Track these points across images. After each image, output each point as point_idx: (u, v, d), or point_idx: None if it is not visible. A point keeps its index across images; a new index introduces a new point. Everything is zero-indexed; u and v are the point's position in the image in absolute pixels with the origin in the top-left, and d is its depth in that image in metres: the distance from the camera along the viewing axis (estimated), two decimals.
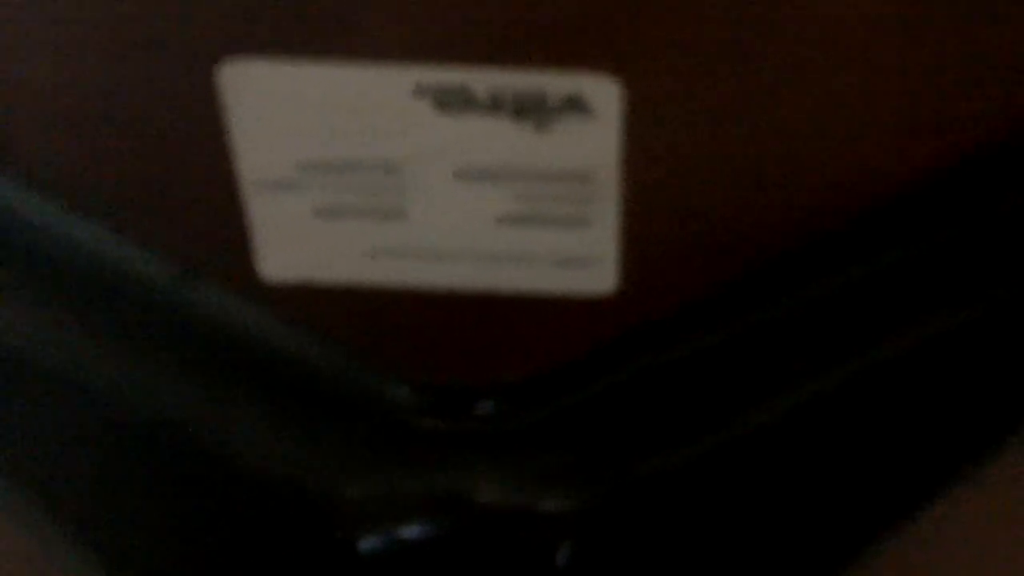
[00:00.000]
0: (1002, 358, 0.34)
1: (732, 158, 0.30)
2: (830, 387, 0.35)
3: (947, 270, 0.33)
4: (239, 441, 0.35)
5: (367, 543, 0.35)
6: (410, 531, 0.35)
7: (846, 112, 0.30)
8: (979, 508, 0.36)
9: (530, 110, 0.29)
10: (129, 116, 0.31)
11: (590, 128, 0.29)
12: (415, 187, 0.30)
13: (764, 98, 0.30)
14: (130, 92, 0.30)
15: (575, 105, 0.29)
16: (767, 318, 0.34)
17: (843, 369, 0.34)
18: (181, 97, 0.30)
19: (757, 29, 0.29)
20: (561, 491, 0.35)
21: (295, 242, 0.31)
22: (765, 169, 0.31)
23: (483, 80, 0.29)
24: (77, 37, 0.30)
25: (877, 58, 0.29)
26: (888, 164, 0.31)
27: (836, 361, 0.35)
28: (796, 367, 0.34)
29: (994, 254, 0.33)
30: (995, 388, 0.35)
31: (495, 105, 0.29)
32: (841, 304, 0.34)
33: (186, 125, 0.30)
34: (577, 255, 0.31)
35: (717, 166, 0.31)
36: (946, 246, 0.33)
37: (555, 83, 0.29)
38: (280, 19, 0.28)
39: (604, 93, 0.29)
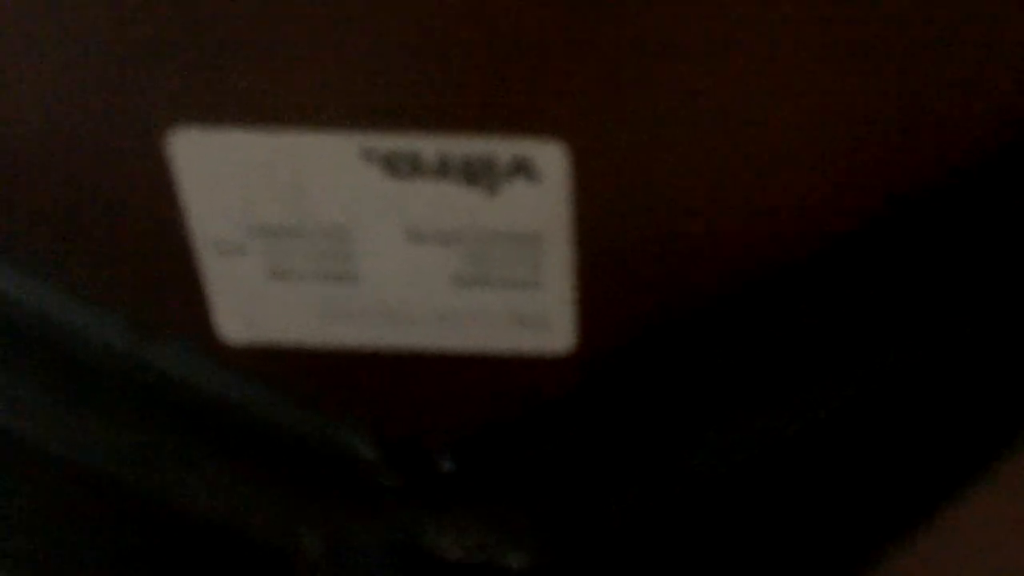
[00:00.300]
0: (992, 372, 0.34)
1: (680, 214, 0.31)
2: (791, 433, 0.35)
3: (908, 304, 0.34)
4: (202, 497, 0.35)
5: None
6: None
7: (793, 162, 0.30)
8: (982, 515, 0.36)
9: (479, 174, 0.29)
10: (87, 180, 0.31)
11: (539, 191, 0.29)
12: (367, 249, 0.30)
13: (709, 154, 0.30)
14: (87, 156, 0.31)
15: (523, 169, 0.29)
16: (722, 369, 0.34)
17: (802, 413, 0.35)
18: (135, 162, 0.30)
19: (701, 89, 0.29)
20: (522, 545, 0.35)
21: (250, 304, 0.32)
22: (714, 223, 0.31)
23: (432, 145, 0.29)
24: (31, 100, 0.30)
25: (821, 107, 0.29)
26: (835, 210, 0.31)
27: (795, 407, 0.35)
28: (754, 416, 0.35)
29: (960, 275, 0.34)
30: (983, 407, 0.35)
31: (444, 169, 0.29)
32: (797, 349, 0.34)
33: (142, 189, 0.31)
34: (532, 315, 0.32)
35: (666, 222, 0.31)
36: (902, 279, 0.33)
37: (503, 148, 0.29)
38: (230, 86, 0.29)
39: (551, 157, 0.29)
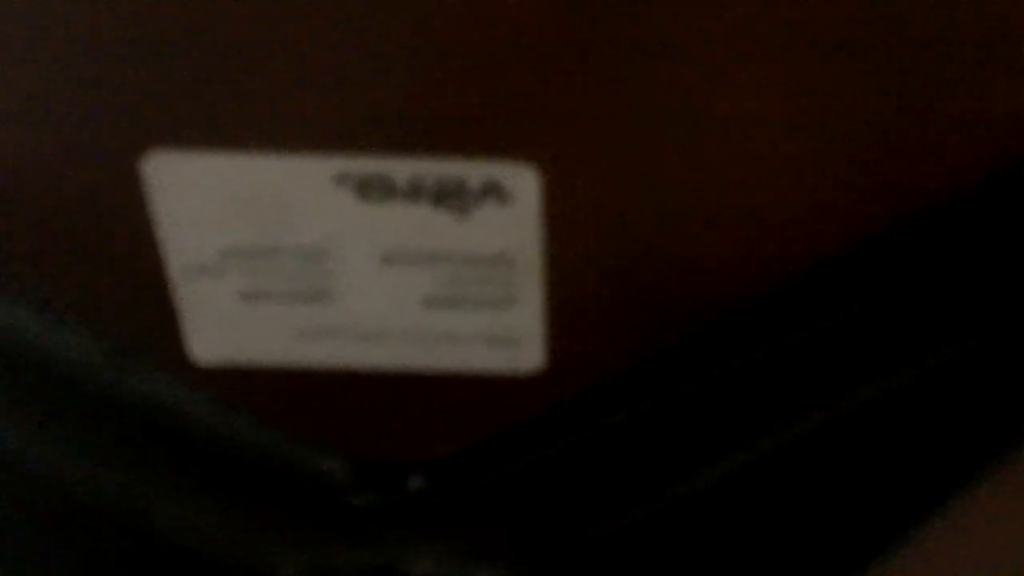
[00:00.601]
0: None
1: (651, 235, 0.31)
2: (762, 452, 0.35)
3: (881, 337, 0.34)
4: (174, 519, 0.35)
5: None
6: None
7: (764, 184, 0.31)
8: (983, 514, 0.35)
9: (450, 197, 0.30)
10: (62, 201, 0.31)
11: (510, 213, 0.30)
12: (340, 271, 0.31)
13: (680, 175, 0.30)
14: (62, 178, 0.31)
15: (494, 191, 0.29)
16: (694, 388, 0.34)
17: (771, 435, 0.35)
18: (110, 184, 0.30)
19: (672, 109, 0.29)
20: (494, 565, 0.35)
21: (224, 325, 0.32)
22: (685, 244, 0.31)
23: (403, 168, 0.29)
24: (5, 122, 0.30)
25: (794, 127, 0.30)
26: (812, 232, 0.32)
27: (765, 427, 0.35)
28: (724, 435, 0.35)
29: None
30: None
31: (416, 192, 0.29)
32: (769, 371, 0.34)
33: (116, 211, 0.31)
34: (503, 335, 0.32)
35: (637, 243, 0.31)
36: (874, 314, 0.34)
37: (474, 171, 0.29)
38: (203, 110, 0.29)
39: (522, 179, 0.29)
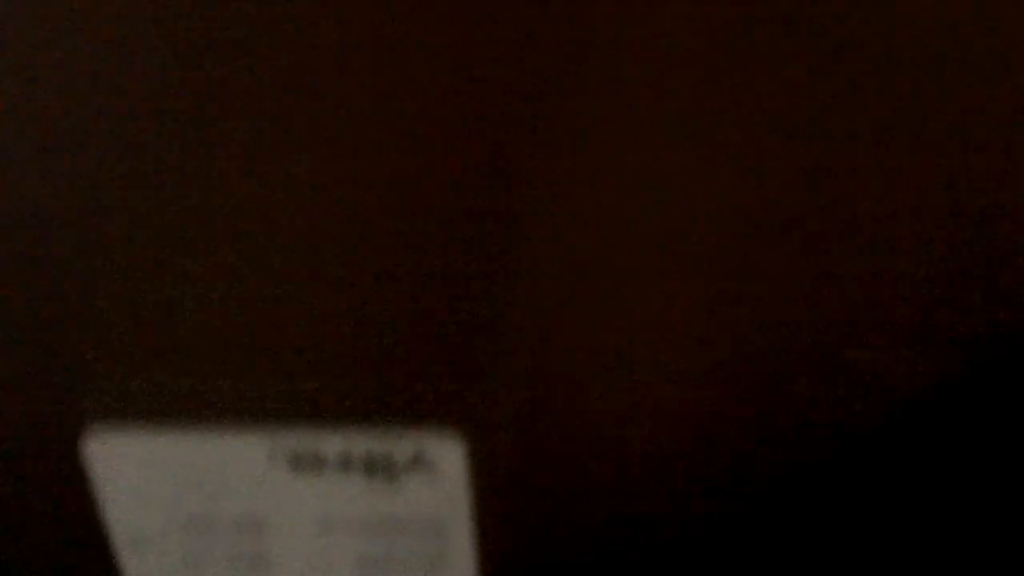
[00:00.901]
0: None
1: (576, 492, 0.32)
2: None
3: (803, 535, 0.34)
4: None
5: None
6: None
7: (693, 441, 0.32)
8: None
9: (380, 468, 0.31)
10: (6, 476, 0.32)
11: (437, 481, 0.31)
12: (276, 539, 0.32)
13: (600, 436, 0.31)
14: (5, 454, 0.32)
15: (421, 463, 0.31)
16: None
17: None
18: (50, 460, 0.32)
19: (587, 372, 0.30)
20: None
21: None
22: (611, 496, 0.32)
23: (333, 443, 0.30)
24: None
25: (706, 357, 0.31)
26: (729, 478, 0.32)
27: None
28: None
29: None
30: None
31: (346, 464, 0.31)
32: None
33: (59, 486, 0.32)
34: None
35: (563, 501, 0.32)
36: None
37: (401, 443, 0.30)
38: (140, 392, 0.30)
39: (447, 451, 0.30)
